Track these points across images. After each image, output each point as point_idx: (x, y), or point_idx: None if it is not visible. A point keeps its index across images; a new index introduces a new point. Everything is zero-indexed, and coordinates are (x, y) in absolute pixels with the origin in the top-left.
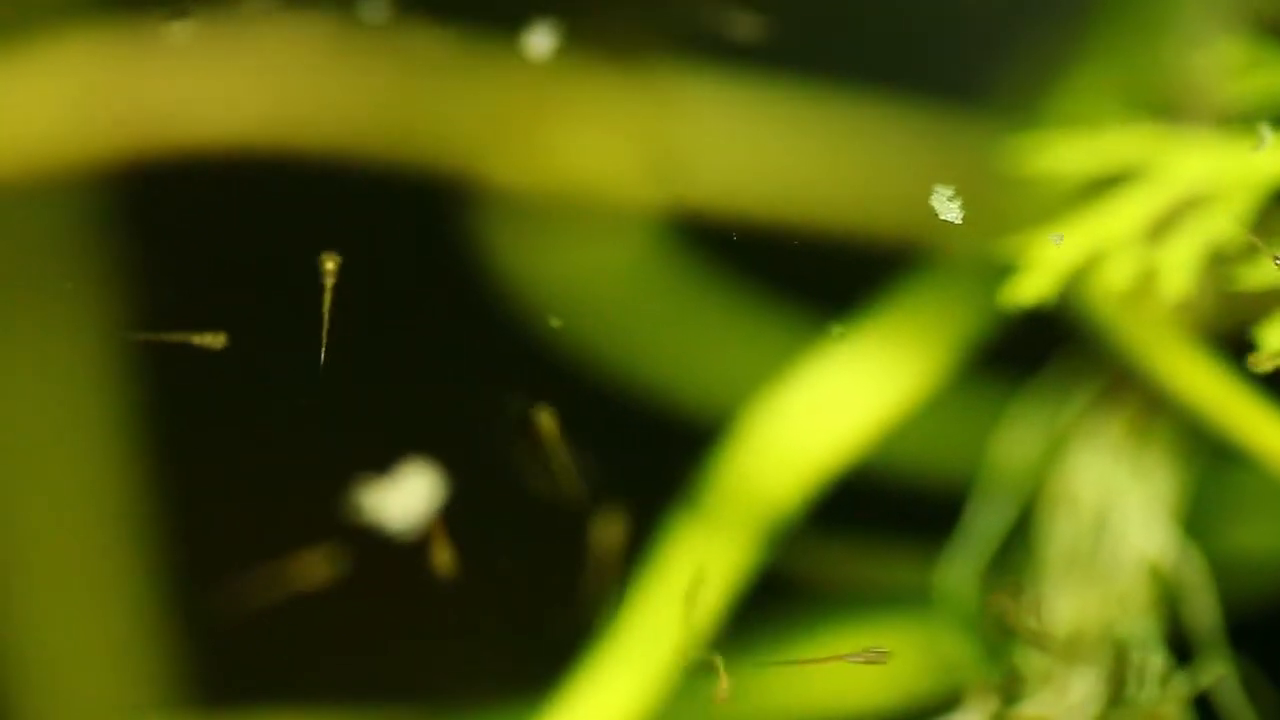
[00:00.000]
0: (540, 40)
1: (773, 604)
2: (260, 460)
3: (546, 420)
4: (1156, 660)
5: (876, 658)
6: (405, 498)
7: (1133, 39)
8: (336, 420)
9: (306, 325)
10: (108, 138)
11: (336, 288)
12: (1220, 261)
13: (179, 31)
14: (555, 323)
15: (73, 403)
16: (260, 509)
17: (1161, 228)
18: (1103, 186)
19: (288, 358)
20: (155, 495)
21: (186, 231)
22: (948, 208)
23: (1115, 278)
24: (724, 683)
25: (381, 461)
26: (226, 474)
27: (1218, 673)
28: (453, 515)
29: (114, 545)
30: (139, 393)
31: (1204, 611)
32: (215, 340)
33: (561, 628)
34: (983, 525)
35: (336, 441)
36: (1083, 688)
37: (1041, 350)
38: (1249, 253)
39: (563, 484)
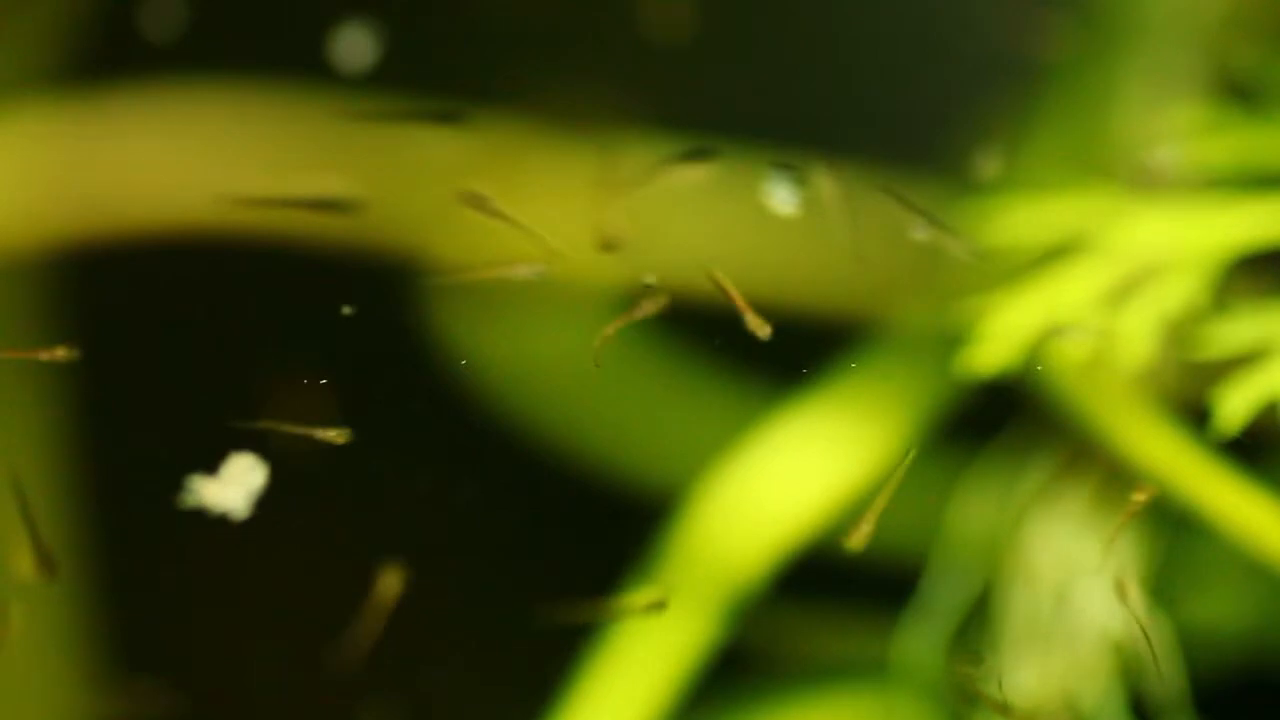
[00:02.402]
0: (356, 44)
1: (733, 678)
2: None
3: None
4: None
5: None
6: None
7: (1087, 104)
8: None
9: (262, 409)
10: (60, 218)
11: (295, 373)
12: (1179, 329)
13: (124, 108)
14: (507, 396)
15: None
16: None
17: (1119, 296)
18: (1059, 254)
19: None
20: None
21: (134, 310)
22: (784, 199)
23: (1074, 346)
24: None
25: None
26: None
27: None
28: (411, 621)
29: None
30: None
31: (1167, 680)
32: (339, 436)
33: (517, 703)
34: (944, 595)
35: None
36: None
37: (1000, 420)
38: (1207, 319)
39: None
